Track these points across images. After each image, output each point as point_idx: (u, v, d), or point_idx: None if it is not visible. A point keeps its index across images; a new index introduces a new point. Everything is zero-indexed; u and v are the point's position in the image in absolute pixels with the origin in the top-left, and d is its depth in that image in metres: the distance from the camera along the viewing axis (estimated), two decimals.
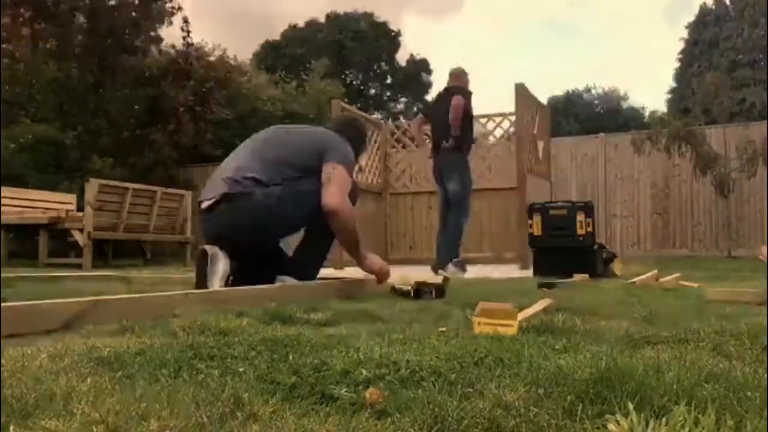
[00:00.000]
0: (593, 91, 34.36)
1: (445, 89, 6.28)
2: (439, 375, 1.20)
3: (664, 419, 0.89)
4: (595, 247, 5.03)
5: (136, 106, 13.05)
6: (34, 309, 1.83)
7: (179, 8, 13.10)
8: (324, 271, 3.46)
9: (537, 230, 5.07)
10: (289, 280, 3.00)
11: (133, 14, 12.77)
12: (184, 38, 13.34)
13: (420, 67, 34.94)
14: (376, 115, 28.38)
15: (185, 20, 13.21)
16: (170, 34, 14.52)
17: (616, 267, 5.17)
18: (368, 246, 9.75)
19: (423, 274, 4.64)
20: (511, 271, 6.00)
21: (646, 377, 1.12)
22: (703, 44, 25.85)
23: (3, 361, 1.26)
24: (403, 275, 3.15)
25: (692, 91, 23.59)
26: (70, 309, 1.89)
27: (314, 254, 3.24)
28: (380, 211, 9.33)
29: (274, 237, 3.18)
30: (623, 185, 10.74)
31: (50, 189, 10.16)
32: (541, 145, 8.55)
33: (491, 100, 58.85)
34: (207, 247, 2.85)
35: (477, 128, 9.68)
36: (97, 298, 2.05)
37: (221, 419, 0.93)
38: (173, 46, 13.69)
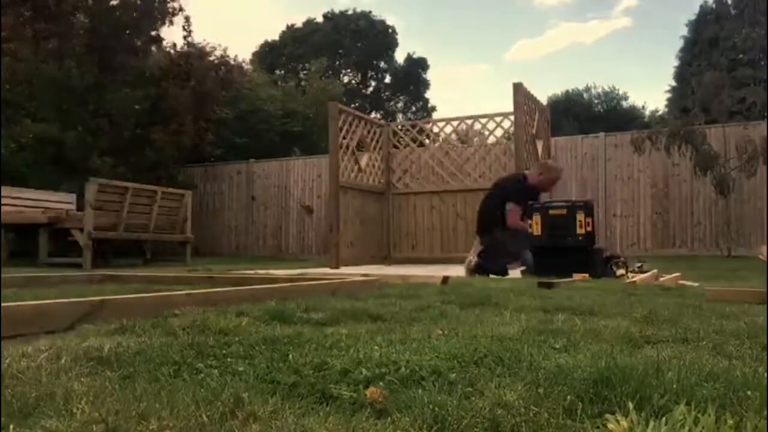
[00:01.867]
0: (593, 91, 34.37)
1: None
2: (439, 375, 1.20)
3: (664, 419, 0.89)
4: (596, 246, 5.03)
5: (137, 106, 13.04)
6: (40, 309, 1.82)
7: (180, 9, 13.10)
8: (321, 271, 3.47)
9: (537, 230, 5.07)
10: None
11: (134, 14, 12.75)
12: (185, 37, 13.32)
13: (419, 66, 34.95)
14: (375, 115, 28.42)
15: (187, 19, 13.20)
16: (171, 35, 14.50)
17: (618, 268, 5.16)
18: (371, 246, 9.72)
19: (425, 273, 4.65)
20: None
21: (646, 377, 1.12)
22: (703, 43, 25.83)
23: (3, 361, 1.26)
24: None
25: (692, 91, 23.58)
26: (77, 309, 1.88)
27: None
28: (383, 211, 9.34)
29: None
30: (623, 185, 10.74)
31: (50, 189, 10.16)
32: (540, 144, 8.55)
33: (494, 100, 58.85)
34: None
35: (477, 127, 9.72)
36: (104, 297, 2.05)
37: (221, 419, 0.93)
38: (174, 45, 13.71)
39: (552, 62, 55.72)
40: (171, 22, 13.14)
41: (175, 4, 13.07)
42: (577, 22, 56.21)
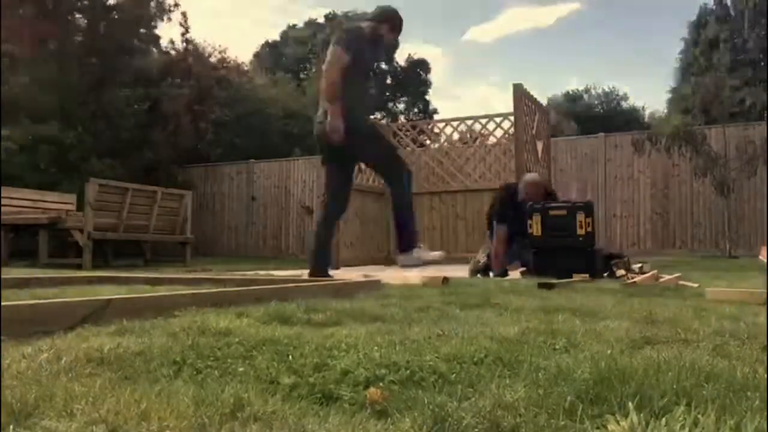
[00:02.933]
0: (593, 91, 34.38)
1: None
2: (439, 375, 1.20)
3: (664, 419, 0.89)
4: (596, 246, 5.03)
5: (136, 106, 13.04)
6: (40, 309, 1.82)
7: (176, 5, 13.11)
8: None
9: (537, 230, 5.06)
10: None
11: (134, 13, 12.77)
12: (183, 34, 13.33)
13: (419, 67, 34.94)
14: (376, 115, 28.40)
15: (184, 15, 13.21)
16: (169, 35, 14.53)
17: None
18: (371, 246, 9.66)
19: (425, 273, 4.64)
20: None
21: (646, 377, 1.12)
22: (703, 44, 25.85)
23: (3, 362, 1.26)
24: None
25: (692, 91, 23.59)
26: (77, 309, 1.88)
27: None
28: (383, 212, 9.34)
29: None
30: (623, 185, 10.74)
31: (50, 189, 10.16)
32: (540, 145, 8.55)
33: (493, 100, 58.87)
34: None
35: (477, 128, 9.72)
36: (109, 297, 2.04)
37: (221, 420, 0.93)
38: (172, 42, 13.73)
39: (548, 60, 55.77)
40: (169, 19, 13.14)
41: (172, 1, 13.09)
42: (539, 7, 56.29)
